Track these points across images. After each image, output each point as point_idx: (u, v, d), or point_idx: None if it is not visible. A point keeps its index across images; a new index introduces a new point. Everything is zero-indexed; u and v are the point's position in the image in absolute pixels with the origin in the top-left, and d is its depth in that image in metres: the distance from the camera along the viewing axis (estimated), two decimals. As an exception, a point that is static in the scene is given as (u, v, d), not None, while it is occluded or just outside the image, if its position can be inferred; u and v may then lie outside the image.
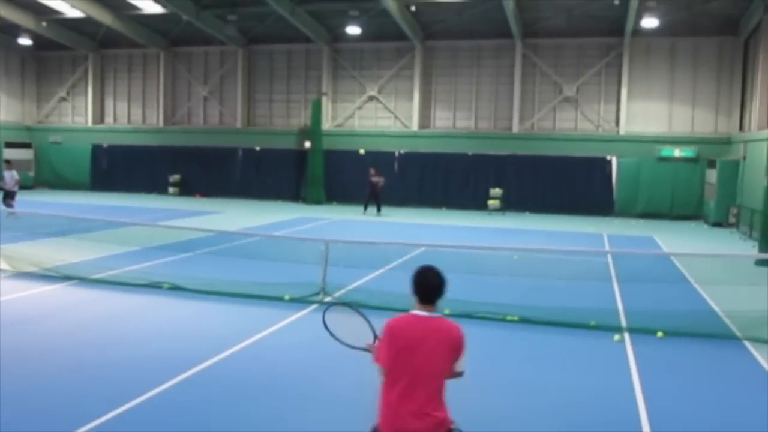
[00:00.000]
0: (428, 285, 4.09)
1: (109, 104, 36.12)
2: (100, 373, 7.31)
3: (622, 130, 28.15)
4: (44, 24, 32.09)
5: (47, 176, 36.08)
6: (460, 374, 4.11)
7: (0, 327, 8.98)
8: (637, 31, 26.71)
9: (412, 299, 4.11)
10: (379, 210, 25.83)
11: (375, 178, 26.08)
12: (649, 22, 24.74)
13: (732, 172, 24.44)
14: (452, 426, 4.04)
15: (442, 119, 30.67)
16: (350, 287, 11.78)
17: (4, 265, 13.05)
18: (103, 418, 6.03)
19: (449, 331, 4.05)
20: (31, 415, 6.15)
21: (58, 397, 6.63)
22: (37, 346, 8.25)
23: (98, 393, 6.69)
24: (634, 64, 27.92)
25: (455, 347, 4.04)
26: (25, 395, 6.63)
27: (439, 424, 3.97)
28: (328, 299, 10.88)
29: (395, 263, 14.10)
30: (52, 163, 36.14)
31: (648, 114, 28.00)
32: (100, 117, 36.16)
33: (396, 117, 31.04)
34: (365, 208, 26.09)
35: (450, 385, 4.08)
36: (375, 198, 26.05)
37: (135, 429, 5.93)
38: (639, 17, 24.89)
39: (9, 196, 22.23)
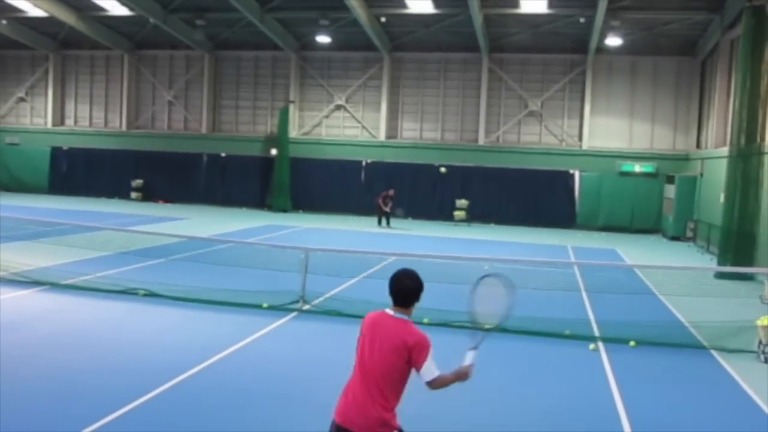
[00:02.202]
0: (398, 287, 4.15)
1: (69, 106, 35.49)
2: (84, 382, 7.26)
3: (585, 144, 28.85)
4: (4, 22, 31.43)
5: (2, 178, 35.15)
6: (428, 383, 4.05)
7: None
8: (601, 49, 27.45)
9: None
10: (388, 223, 26.01)
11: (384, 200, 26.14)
12: (613, 41, 25.52)
13: (690, 187, 25.25)
14: (397, 430, 4.05)
15: (409, 130, 30.98)
16: (328, 295, 11.90)
17: (-33, 270, 12.82)
18: (96, 425, 6.03)
19: (404, 335, 4.02)
20: (14, 426, 6.09)
21: (41, 407, 6.55)
22: (15, 355, 8.10)
23: (84, 402, 6.67)
24: (596, 81, 28.68)
25: (407, 354, 3.99)
26: (7, 405, 6.54)
27: (384, 424, 3.98)
28: (306, 307, 10.99)
29: (369, 272, 14.28)
30: (8, 165, 35.28)
31: (609, 130, 28.76)
32: (60, 119, 35.52)
33: (363, 126, 31.25)
34: (387, 222, 26.11)
35: (436, 391, 4.15)
36: (385, 213, 26.14)
37: (131, 434, 5.97)
38: (603, 35, 25.62)
39: None
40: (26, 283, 12.04)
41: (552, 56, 29.05)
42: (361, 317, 10.19)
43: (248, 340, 9.14)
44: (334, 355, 8.61)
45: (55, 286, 11.92)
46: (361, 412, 3.99)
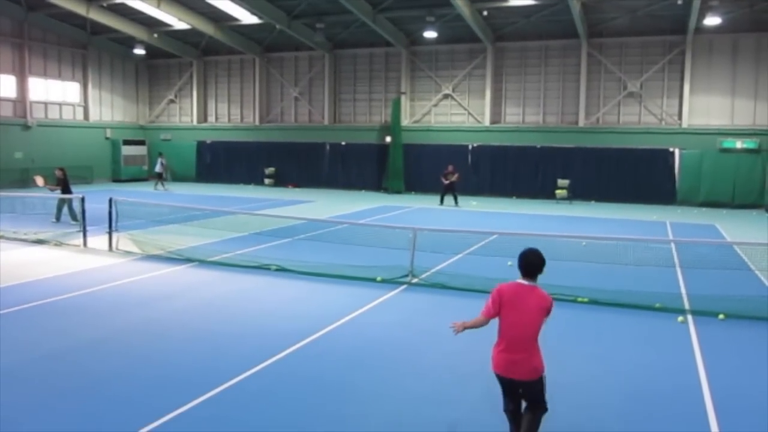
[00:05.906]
0: (528, 263, 4.94)
1: (211, 105, 37.54)
2: (226, 343, 7.94)
3: (685, 123, 27.41)
4: (155, 36, 33.68)
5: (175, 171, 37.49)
6: None
7: (137, 303, 9.83)
8: (700, 29, 25.92)
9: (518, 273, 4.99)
10: (456, 201, 25.62)
11: (450, 177, 25.63)
12: (712, 20, 24.01)
13: (794, 162, 23.53)
14: (544, 374, 4.87)
15: (512, 115, 30.58)
16: (434, 270, 12.21)
17: (134, 249, 14.05)
18: (237, 379, 6.68)
19: (542, 297, 4.88)
20: (173, 376, 6.83)
21: (191, 362, 7.26)
22: (170, 319, 9.00)
23: (226, 359, 7.32)
24: (696, 60, 27.11)
25: (545, 309, 4.87)
26: (165, 361, 7.30)
27: (535, 370, 4.80)
28: (415, 281, 11.35)
29: (472, 248, 14.44)
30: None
31: (710, 107, 27.16)
32: (203, 116, 37.65)
33: (469, 113, 31.14)
34: (441, 200, 25.94)
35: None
36: (451, 191, 25.82)
37: (264, 387, 6.54)
38: (701, 16, 24.18)
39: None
40: (180, 260, 13.09)
41: (650, 38, 27.70)
42: (463, 290, 10.49)
43: (364, 309, 9.62)
44: (439, 323, 8.91)
45: (202, 262, 12.87)
46: (523, 363, 4.77)
